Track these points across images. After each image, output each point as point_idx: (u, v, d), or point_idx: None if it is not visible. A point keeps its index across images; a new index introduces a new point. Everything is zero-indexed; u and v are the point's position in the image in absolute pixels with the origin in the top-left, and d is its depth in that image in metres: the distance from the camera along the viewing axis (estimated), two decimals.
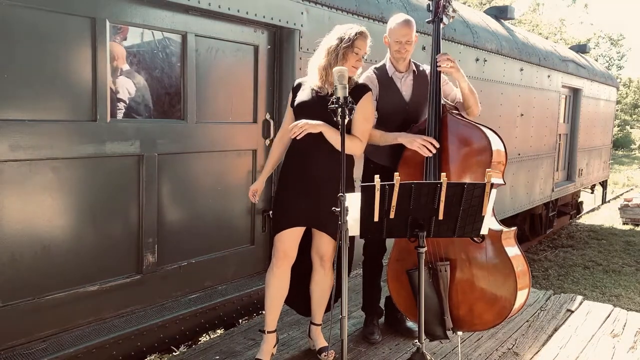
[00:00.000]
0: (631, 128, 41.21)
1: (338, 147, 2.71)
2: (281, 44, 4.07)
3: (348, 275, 3.06)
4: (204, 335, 4.03)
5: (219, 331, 4.02)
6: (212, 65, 3.68)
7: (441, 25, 3.15)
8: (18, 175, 2.80)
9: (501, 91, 6.79)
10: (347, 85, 2.44)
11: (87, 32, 3.00)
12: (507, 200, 7.09)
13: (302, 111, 2.87)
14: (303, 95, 2.90)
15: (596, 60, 21.48)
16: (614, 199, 15.54)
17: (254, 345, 3.28)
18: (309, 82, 2.91)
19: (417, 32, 3.20)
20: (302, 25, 4.02)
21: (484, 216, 2.50)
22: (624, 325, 3.88)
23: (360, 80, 2.97)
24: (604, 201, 13.66)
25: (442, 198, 2.43)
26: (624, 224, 12.02)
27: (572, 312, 4.09)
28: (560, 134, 9.07)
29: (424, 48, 5.06)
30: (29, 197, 2.86)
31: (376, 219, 2.43)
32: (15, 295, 2.84)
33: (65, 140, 2.95)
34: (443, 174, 2.45)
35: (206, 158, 3.73)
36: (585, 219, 12.53)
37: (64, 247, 3.02)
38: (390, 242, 3.25)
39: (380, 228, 2.48)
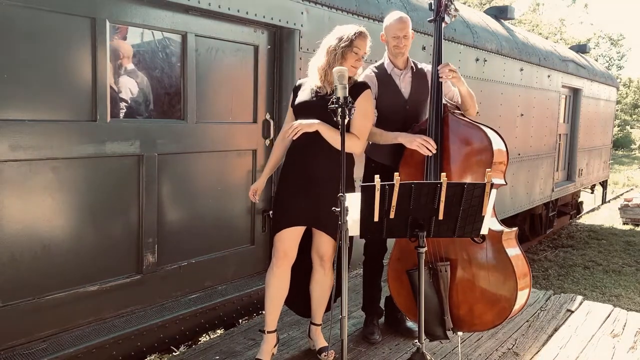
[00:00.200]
0: (631, 128, 41.21)
1: (335, 145, 2.72)
2: (281, 44, 4.07)
3: (348, 275, 3.07)
4: (204, 335, 4.03)
5: (219, 331, 4.02)
6: (212, 65, 3.68)
7: (443, 25, 3.15)
8: (18, 175, 2.80)
9: (501, 91, 6.79)
10: (347, 85, 2.44)
11: (87, 32, 3.00)
12: (507, 200, 7.09)
13: (302, 111, 2.87)
14: (303, 96, 2.91)
15: (596, 60, 21.48)
16: (614, 199, 15.54)
17: (254, 345, 3.28)
18: (309, 82, 2.91)
19: (417, 32, 3.21)
20: (302, 25, 4.02)
21: (484, 216, 2.50)
22: (624, 325, 3.88)
23: (360, 78, 2.97)
24: (604, 201, 13.67)
25: (442, 198, 2.43)
26: (624, 224, 12.02)
27: (572, 312, 4.09)
28: (560, 134, 9.07)
29: (424, 48, 5.06)
30: (29, 197, 2.85)
31: (376, 219, 2.43)
32: (15, 295, 2.84)
33: (65, 140, 2.95)
34: (443, 174, 2.45)
35: (206, 158, 3.73)
36: (585, 219, 12.53)
37: (64, 247, 3.02)
38: (390, 242, 3.25)
39: (380, 228, 2.48)
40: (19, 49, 2.74)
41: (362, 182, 3.28)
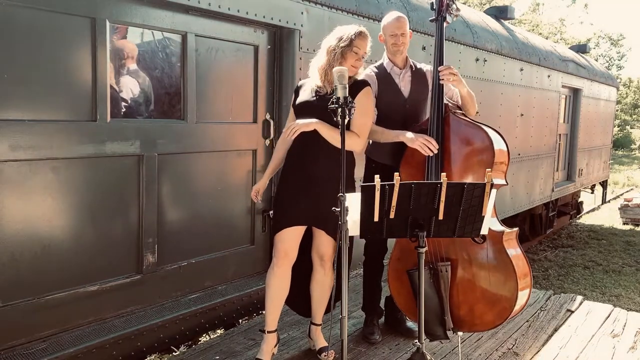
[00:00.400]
0: (631, 128, 41.21)
1: (335, 143, 2.72)
2: (281, 44, 4.07)
3: (348, 275, 3.07)
4: (204, 335, 4.03)
5: (219, 331, 4.01)
6: (212, 65, 3.68)
7: (444, 24, 3.15)
8: (18, 175, 2.80)
9: (501, 91, 6.79)
10: (347, 85, 2.44)
11: (87, 32, 3.00)
12: (507, 200, 7.09)
13: (302, 111, 2.88)
14: (304, 96, 2.91)
15: (596, 60, 21.48)
16: (614, 199, 15.54)
17: (254, 345, 3.28)
18: (310, 82, 2.92)
19: (417, 32, 3.21)
20: (302, 25, 4.02)
21: (484, 216, 2.50)
22: (624, 325, 3.88)
23: (360, 77, 2.98)
24: (604, 201, 13.67)
25: (442, 198, 2.43)
26: (624, 224, 12.02)
27: (572, 312, 4.09)
28: (560, 134, 9.07)
29: (424, 48, 5.06)
30: (29, 197, 2.85)
31: (376, 219, 2.43)
32: (15, 295, 2.84)
33: (65, 140, 2.95)
34: (443, 174, 2.45)
35: (206, 158, 3.73)
36: (585, 219, 12.53)
37: (64, 247, 3.01)
38: (390, 242, 3.25)
39: (380, 228, 2.48)
40: (19, 49, 2.74)
41: (363, 182, 3.29)
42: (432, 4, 3.18)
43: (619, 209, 12.43)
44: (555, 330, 3.75)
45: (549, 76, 8.19)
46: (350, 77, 2.77)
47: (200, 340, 4.02)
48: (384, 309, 3.64)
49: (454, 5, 3.14)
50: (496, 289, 2.92)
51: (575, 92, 9.72)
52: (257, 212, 4.09)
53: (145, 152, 3.32)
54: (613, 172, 20.09)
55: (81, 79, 3.01)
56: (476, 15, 6.85)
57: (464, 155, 3.03)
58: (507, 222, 6.19)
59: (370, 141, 3.27)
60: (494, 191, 2.52)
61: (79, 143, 3.01)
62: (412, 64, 3.31)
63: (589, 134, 10.52)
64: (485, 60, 6.34)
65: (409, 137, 3.02)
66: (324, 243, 2.94)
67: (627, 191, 17.56)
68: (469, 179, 2.98)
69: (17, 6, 2.71)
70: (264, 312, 3.12)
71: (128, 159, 3.27)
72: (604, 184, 12.75)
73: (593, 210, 13.49)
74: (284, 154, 3.02)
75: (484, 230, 2.56)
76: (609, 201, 14.56)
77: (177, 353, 3.60)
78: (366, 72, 3.21)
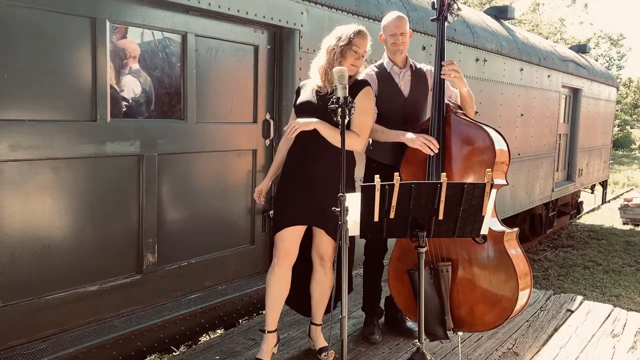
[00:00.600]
0: (631, 128, 41.20)
1: (335, 143, 2.72)
2: (281, 44, 4.07)
3: (349, 275, 3.07)
4: (204, 335, 4.03)
5: (219, 331, 4.01)
6: (212, 65, 3.68)
7: (446, 24, 3.15)
8: (18, 175, 2.80)
9: (501, 91, 6.79)
10: (347, 85, 2.44)
11: (87, 32, 3.00)
12: (507, 200, 7.09)
13: (303, 111, 2.88)
14: (305, 96, 2.92)
15: (596, 60, 21.48)
16: (614, 199, 15.54)
17: (254, 345, 3.28)
18: (310, 83, 2.92)
19: (417, 32, 3.21)
20: (302, 25, 4.02)
21: (484, 216, 2.50)
22: (624, 325, 3.88)
23: (360, 76, 2.98)
24: (604, 201, 13.66)
25: (442, 198, 2.43)
26: (624, 224, 12.02)
27: (572, 312, 4.09)
28: (560, 134, 9.07)
29: (424, 48, 5.06)
30: (29, 197, 2.85)
31: (376, 219, 2.43)
32: (15, 295, 2.84)
33: (65, 140, 2.95)
34: (443, 174, 2.46)
35: (206, 158, 3.73)
36: (585, 219, 12.53)
37: (63, 247, 3.02)
38: (391, 242, 3.25)
39: (380, 228, 2.48)
40: (19, 49, 2.74)
41: (363, 182, 3.29)
42: (433, 3, 3.19)
43: (619, 209, 12.43)
44: (555, 330, 3.75)
45: (549, 76, 8.19)
46: (350, 77, 2.78)
47: (200, 340, 4.02)
48: (383, 309, 3.64)
49: (455, 5, 3.14)
50: (497, 289, 2.92)
51: (575, 92, 9.72)
52: (257, 212, 4.09)
53: (145, 152, 3.32)
54: (613, 172, 20.10)
55: (81, 79, 3.01)
56: (476, 15, 6.85)
57: (465, 155, 3.03)
58: (507, 222, 6.19)
59: (371, 141, 3.28)
60: (494, 191, 2.52)
61: (79, 143, 3.01)
62: (412, 63, 3.31)
63: (589, 134, 10.52)
64: (485, 60, 6.34)
65: (409, 137, 3.02)
66: (324, 243, 2.94)
67: (627, 191, 17.56)
68: (470, 179, 2.98)
69: (17, 6, 2.71)
70: (264, 312, 3.12)
71: (128, 159, 3.27)
72: (604, 184, 12.75)
73: (593, 210, 13.49)
74: (285, 155, 3.03)
75: (484, 230, 2.56)
76: (609, 201, 14.56)
77: (177, 353, 3.60)
78: (366, 71, 3.21)
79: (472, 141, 3.02)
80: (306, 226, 2.94)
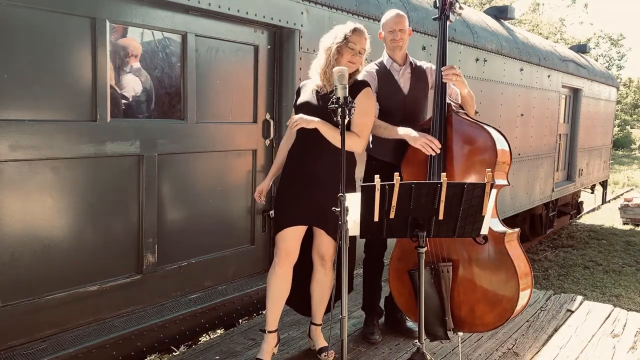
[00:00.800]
0: (631, 128, 41.19)
1: (336, 143, 2.73)
2: (281, 44, 4.07)
3: (349, 275, 3.07)
4: (204, 335, 4.03)
5: (219, 331, 4.01)
6: (212, 65, 3.68)
7: (447, 23, 3.15)
8: (18, 175, 2.80)
9: (501, 91, 6.79)
10: (347, 85, 2.44)
11: (87, 32, 2.99)
12: (507, 200, 7.09)
13: (303, 111, 2.88)
14: (305, 96, 2.92)
15: (596, 60, 21.47)
16: (614, 199, 15.54)
17: (254, 345, 3.28)
18: (310, 83, 2.92)
19: (417, 32, 3.21)
20: (302, 25, 4.02)
21: (484, 216, 2.50)
22: (624, 325, 3.88)
23: (361, 74, 2.99)
24: (604, 201, 13.66)
25: (442, 198, 2.42)
26: (624, 224, 12.02)
27: (572, 312, 4.09)
28: (560, 134, 9.07)
29: (424, 48, 5.06)
30: (29, 197, 2.85)
31: (376, 219, 2.43)
32: (15, 295, 2.84)
33: (65, 140, 2.95)
34: (443, 174, 2.45)
35: (206, 158, 3.73)
36: (585, 219, 12.52)
37: (64, 247, 3.01)
38: (391, 241, 3.25)
39: (380, 228, 2.48)
40: (19, 49, 2.74)
41: (363, 180, 3.30)
42: (435, 2, 3.19)
43: (619, 209, 12.43)
44: (555, 330, 3.75)
45: (549, 76, 8.19)
46: (350, 77, 2.77)
47: (200, 340, 4.02)
48: (383, 308, 3.64)
49: (457, 4, 3.14)
50: (497, 289, 2.92)
51: (576, 92, 9.72)
52: (257, 212, 4.09)
53: (145, 152, 3.32)
54: (613, 172, 20.09)
55: (81, 79, 3.01)
56: (476, 15, 6.85)
57: (467, 155, 3.03)
58: (507, 222, 6.19)
59: (371, 138, 3.28)
60: (494, 191, 2.52)
61: (79, 143, 3.01)
62: (412, 61, 3.32)
63: (589, 134, 10.52)
64: (485, 60, 6.34)
65: (411, 135, 3.01)
66: (324, 243, 2.94)
67: (627, 191, 17.55)
68: (471, 179, 2.98)
69: (17, 6, 2.70)
70: (264, 312, 3.12)
71: (128, 159, 3.26)
72: (604, 184, 12.74)
73: (593, 210, 13.48)
74: (287, 154, 3.03)
75: (484, 230, 2.56)
76: (609, 201, 14.56)
77: (177, 353, 3.60)
78: (366, 68, 3.22)
79: (473, 141, 3.02)
80: (307, 226, 2.94)
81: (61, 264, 3.00)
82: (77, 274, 3.08)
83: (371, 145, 3.33)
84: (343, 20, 4.02)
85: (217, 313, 3.67)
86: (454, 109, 3.11)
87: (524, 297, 2.93)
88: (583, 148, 10.22)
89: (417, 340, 2.66)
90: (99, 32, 3.02)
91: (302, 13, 4.01)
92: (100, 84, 3.06)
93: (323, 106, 2.71)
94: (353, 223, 2.44)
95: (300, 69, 3.99)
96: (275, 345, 3.04)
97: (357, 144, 2.85)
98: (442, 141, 3.01)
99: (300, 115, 2.80)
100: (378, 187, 2.36)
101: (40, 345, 2.88)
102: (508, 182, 3.05)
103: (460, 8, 3.18)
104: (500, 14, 7.72)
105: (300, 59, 4.02)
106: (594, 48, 42.39)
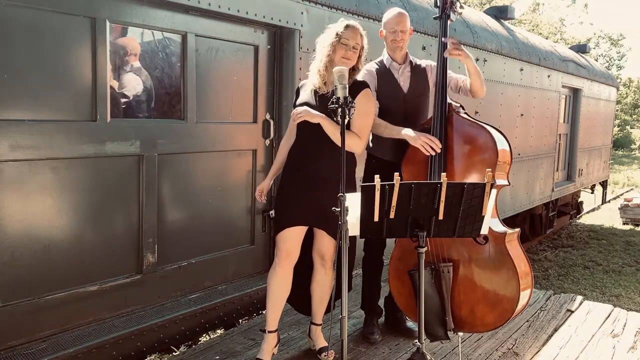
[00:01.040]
0: (631, 128, 41.20)
1: (335, 140, 2.72)
2: (281, 44, 4.07)
3: (350, 275, 3.07)
4: (204, 335, 4.03)
5: (219, 331, 4.01)
6: (212, 65, 3.68)
7: (448, 22, 3.15)
8: (18, 175, 2.80)
9: (501, 91, 6.79)
10: (347, 85, 2.44)
11: (87, 32, 2.99)
12: (507, 200, 7.09)
13: None
14: (304, 96, 2.92)
15: (596, 60, 21.47)
16: (614, 199, 15.54)
17: (254, 345, 3.28)
18: (309, 83, 2.92)
19: (417, 32, 3.21)
20: (302, 25, 4.01)
21: (484, 216, 2.50)
22: (624, 325, 3.88)
23: (361, 73, 2.99)
24: (604, 201, 13.66)
25: (442, 198, 2.42)
26: (624, 224, 12.02)
27: (572, 312, 4.09)
28: (560, 134, 9.07)
29: (424, 48, 5.05)
30: (29, 197, 2.85)
31: (376, 219, 2.43)
32: (15, 295, 2.84)
33: (65, 140, 2.95)
34: (443, 174, 2.45)
35: (206, 158, 3.73)
36: (585, 219, 12.52)
37: (64, 247, 3.01)
38: (390, 240, 3.25)
39: (380, 228, 2.48)
40: (19, 49, 2.74)
41: (363, 179, 3.30)
42: (436, 1, 3.19)
43: (619, 209, 12.43)
44: (555, 330, 3.75)
45: (549, 76, 8.19)
46: (350, 75, 2.77)
47: (200, 340, 4.02)
48: (383, 308, 3.64)
49: (457, 3, 3.14)
50: (498, 289, 2.92)
51: (575, 92, 9.72)
52: (257, 212, 4.09)
53: (145, 152, 3.32)
54: (613, 172, 20.09)
55: (81, 79, 3.01)
56: (476, 15, 6.85)
57: (467, 155, 3.03)
58: (507, 222, 6.19)
59: (371, 137, 3.28)
60: (494, 191, 2.52)
61: (79, 143, 3.01)
62: (411, 60, 3.31)
63: (589, 134, 10.52)
64: (485, 60, 6.34)
65: (412, 135, 3.02)
66: (325, 243, 2.94)
67: (627, 191, 17.55)
68: (472, 179, 2.98)
69: (17, 6, 2.70)
70: (264, 312, 3.12)
71: (128, 159, 3.26)
72: (604, 184, 12.74)
73: (593, 210, 13.48)
74: (287, 154, 3.03)
75: (483, 230, 2.56)
76: (609, 201, 14.56)
77: (177, 353, 3.60)
78: (366, 67, 3.22)
79: (474, 141, 3.02)
80: (307, 227, 2.94)
81: (61, 264, 3.00)
82: (77, 274, 3.08)
83: (371, 144, 3.33)
84: None
85: (217, 313, 3.67)
86: (455, 108, 3.11)
87: (524, 297, 2.93)
88: (583, 148, 10.21)
89: (417, 340, 2.66)
90: (99, 32, 3.02)
91: (302, 13, 4.01)
92: (100, 84, 3.06)
93: (322, 106, 2.71)
94: (353, 223, 2.44)
95: (300, 69, 3.99)
96: (275, 346, 3.04)
97: (357, 144, 2.85)
98: (443, 141, 3.01)
99: (305, 107, 2.79)
100: (378, 187, 2.36)
101: (40, 345, 2.88)
102: (508, 182, 3.06)
103: (461, 7, 3.18)
104: (500, 14, 7.71)
105: (300, 59, 4.02)
106: (594, 48, 42.39)
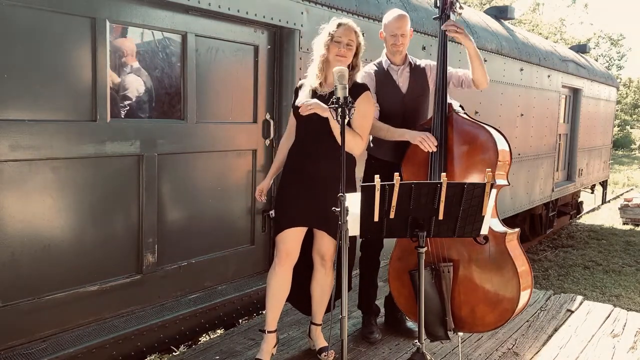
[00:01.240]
0: (631, 128, 41.19)
1: (339, 138, 2.70)
2: (281, 44, 4.07)
3: (350, 275, 3.07)
4: (204, 335, 4.03)
5: (219, 331, 4.01)
6: (212, 65, 3.68)
7: None
8: (18, 175, 2.80)
9: (501, 91, 6.79)
10: (347, 85, 2.44)
11: (87, 32, 2.99)
12: (507, 200, 7.09)
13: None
14: (302, 96, 2.92)
15: (596, 60, 21.47)
16: (614, 199, 15.53)
17: (254, 345, 3.28)
18: (307, 84, 2.92)
19: (417, 32, 3.21)
20: (302, 25, 4.01)
21: (484, 216, 2.50)
22: (624, 325, 3.88)
23: (359, 75, 2.99)
24: (604, 201, 13.65)
25: (442, 198, 2.42)
26: (624, 224, 12.01)
27: (572, 312, 4.09)
28: (560, 134, 9.07)
29: (424, 48, 5.05)
30: (29, 197, 2.85)
31: (376, 218, 2.43)
32: (15, 295, 2.84)
33: (65, 140, 2.95)
34: (443, 174, 2.46)
35: (206, 158, 3.73)
36: (585, 219, 12.52)
37: (64, 247, 3.01)
38: (389, 239, 3.25)
39: (380, 228, 2.48)
40: (19, 49, 2.74)
41: (363, 179, 3.30)
42: (435, 1, 3.19)
43: (619, 209, 12.42)
44: (555, 330, 3.75)
45: (549, 76, 8.19)
46: (350, 76, 2.77)
47: (200, 340, 4.02)
48: (383, 308, 3.64)
49: (457, 4, 3.15)
50: (498, 289, 2.92)
51: (575, 92, 9.71)
52: (257, 212, 4.09)
53: (145, 152, 3.32)
54: (613, 172, 20.08)
55: (81, 79, 3.01)
56: (476, 15, 6.85)
57: (467, 155, 3.04)
58: (507, 222, 6.18)
59: (371, 137, 3.28)
60: (494, 191, 2.52)
61: (79, 143, 3.01)
62: (410, 60, 3.31)
63: (589, 134, 10.52)
64: (485, 60, 6.29)
65: (411, 134, 3.04)
66: (325, 243, 2.94)
67: (627, 191, 17.54)
68: (471, 179, 2.98)
69: (17, 6, 2.70)
70: (264, 312, 3.12)
71: (128, 159, 3.26)
72: (604, 184, 12.74)
73: (593, 210, 13.48)
74: (286, 154, 3.03)
75: (483, 230, 2.56)
76: (609, 201, 14.55)
77: (177, 353, 3.60)
78: (365, 69, 3.22)
79: (474, 141, 3.03)
80: (307, 227, 2.94)
81: (61, 264, 3.00)
82: (77, 274, 3.08)
83: (371, 145, 3.34)
84: None
85: (217, 313, 3.67)
86: (455, 108, 3.11)
87: (524, 297, 2.93)
88: (583, 148, 10.21)
89: (417, 340, 2.66)
90: (99, 32, 3.02)
91: (302, 13, 4.01)
92: (100, 84, 3.05)
93: None
94: (353, 223, 2.44)
95: (300, 69, 3.99)
96: (274, 346, 3.04)
97: (359, 145, 2.85)
98: (443, 141, 3.01)
99: (316, 100, 2.77)
100: (378, 187, 2.36)
101: (40, 345, 2.87)
102: (508, 182, 3.06)
103: (461, 8, 3.18)
104: (500, 14, 7.71)
105: (300, 59, 4.02)
106: (594, 48, 42.38)
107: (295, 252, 2.92)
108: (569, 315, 4.02)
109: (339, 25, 2.81)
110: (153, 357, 3.96)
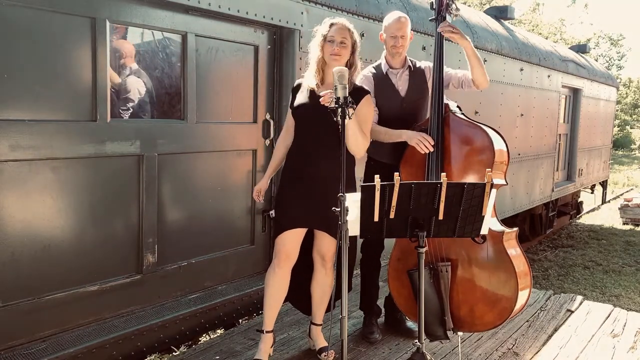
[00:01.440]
0: (631, 128, 41.20)
1: (355, 135, 2.70)
2: (281, 44, 4.07)
3: (350, 275, 3.07)
4: (204, 335, 4.03)
5: (219, 331, 4.01)
6: (212, 65, 3.68)
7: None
8: (18, 175, 2.80)
9: (501, 91, 6.79)
10: (347, 86, 2.44)
11: (87, 32, 2.99)
12: (507, 200, 7.09)
13: (299, 112, 2.89)
14: (301, 97, 2.92)
15: (596, 60, 21.47)
16: (614, 199, 15.53)
17: (254, 345, 3.28)
18: (305, 84, 2.92)
19: (417, 32, 3.22)
20: (302, 25, 4.02)
21: (484, 216, 2.50)
22: (624, 325, 3.88)
23: (358, 79, 2.99)
24: (604, 201, 13.65)
25: (442, 198, 2.43)
26: (624, 224, 12.01)
27: (572, 312, 4.09)
28: (560, 134, 9.07)
29: (424, 48, 5.05)
30: (29, 197, 2.85)
31: (376, 219, 2.43)
32: (15, 295, 2.84)
33: (65, 140, 2.95)
34: (443, 174, 2.46)
35: (206, 158, 3.73)
36: (585, 219, 12.52)
37: (64, 247, 3.01)
38: (389, 241, 3.25)
39: (380, 228, 2.48)
40: (19, 49, 2.74)
41: (363, 181, 3.30)
42: (432, 3, 3.19)
43: (619, 209, 12.42)
44: (555, 330, 3.75)
45: (549, 76, 8.19)
46: (349, 76, 2.77)
47: (200, 340, 4.02)
48: (383, 308, 3.64)
49: (453, 5, 3.14)
50: (496, 289, 2.92)
51: (575, 92, 9.71)
52: (257, 212, 4.09)
53: (145, 152, 3.32)
54: (613, 172, 20.08)
55: (81, 79, 3.01)
56: (476, 15, 6.85)
57: (464, 155, 3.04)
58: (507, 222, 6.19)
59: (371, 140, 3.28)
60: (493, 191, 2.52)
61: (79, 143, 3.01)
62: (410, 63, 3.31)
63: (589, 134, 10.52)
64: (485, 61, 6.30)
65: (408, 135, 3.04)
66: (325, 244, 2.94)
67: (627, 191, 17.54)
68: (469, 179, 2.98)
69: (17, 6, 2.71)
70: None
71: (128, 159, 3.26)
72: (604, 184, 12.74)
73: (593, 210, 13.48)
74: (283, 154, 3.03)
75: (484, 230, 2.56)
76: (609, 201, 14.55)
77: (177, 353, 3.60)
78: (363, 72, 3.22)
79: (471, 141, 3.03)
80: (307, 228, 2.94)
81: (61, 264, 3.00)
82: (77, 274, 3.08)
83: (371, 147, 3.33)
84: None
85: (217, 313, 3.67)
86: (452, 109, 3.12)
87: (523, 296, 2.93)
88: (583, 148, 10.21)
89: (417, 340, 2.67)
90: (99, 32, 3.02)
91: (302, 13, 4.01)
92: (100, 84, 3.06)
93: (319, 107, 2.70)
94: (353, 223, 2.44)
95: (300, 69, 3.99)
96: (271, 346, 3.03)
97: (364, 146, 2.84)
98: (440, 141, 3.01)
99: (329, 91, 2.73)
100: (378, 187, 2.36)
101: (40, 345, 2.88)
102: (506, 181, 3.06)
103: (457, 9, 3.17)
104: (500, 14, 7.71)
105: (300, 59, 4.02)
106: (594, 48, 42.37)
107: (294, 253, 2.92)
108: (569, 315, 4.02)
109: (332, 25, 2.82)
110: (153, 357, 3.96)
